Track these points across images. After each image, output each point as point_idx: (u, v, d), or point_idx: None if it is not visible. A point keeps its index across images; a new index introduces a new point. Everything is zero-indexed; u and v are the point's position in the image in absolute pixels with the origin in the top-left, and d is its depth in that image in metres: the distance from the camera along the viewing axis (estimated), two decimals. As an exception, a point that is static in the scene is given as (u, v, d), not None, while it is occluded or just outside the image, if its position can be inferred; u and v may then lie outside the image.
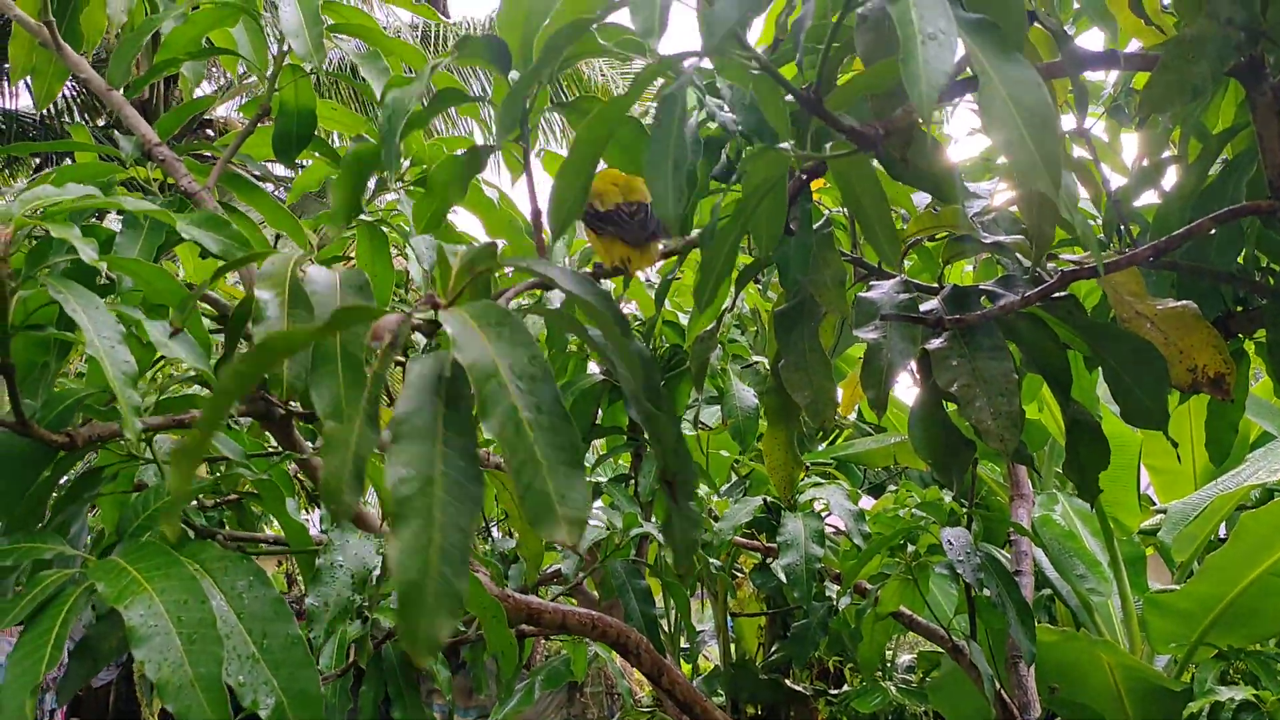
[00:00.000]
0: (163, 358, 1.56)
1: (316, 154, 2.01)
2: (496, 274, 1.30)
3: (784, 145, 1.06)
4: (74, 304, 1.21)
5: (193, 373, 1.92)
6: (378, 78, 1.73)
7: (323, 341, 1.12)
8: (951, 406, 1.97)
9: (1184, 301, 1.56)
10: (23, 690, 1.13)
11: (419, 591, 0.86)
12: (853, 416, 5.73)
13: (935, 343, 1.61)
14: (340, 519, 0.95)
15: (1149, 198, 2.05)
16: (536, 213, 1.28)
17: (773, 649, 5.27)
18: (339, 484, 0.91)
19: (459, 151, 1.31)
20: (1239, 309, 1.98)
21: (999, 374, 1.55)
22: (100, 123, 12.45)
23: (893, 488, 4.66)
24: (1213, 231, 1.62)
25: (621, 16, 1.17)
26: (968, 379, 1.56)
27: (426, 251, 1.69)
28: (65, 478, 1.56)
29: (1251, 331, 1.79)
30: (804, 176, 1.33)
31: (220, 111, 13.18)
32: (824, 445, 5.56)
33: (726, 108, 1.24)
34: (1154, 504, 5.80)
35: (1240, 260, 1.89)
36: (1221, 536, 4.81)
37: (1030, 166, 0.83)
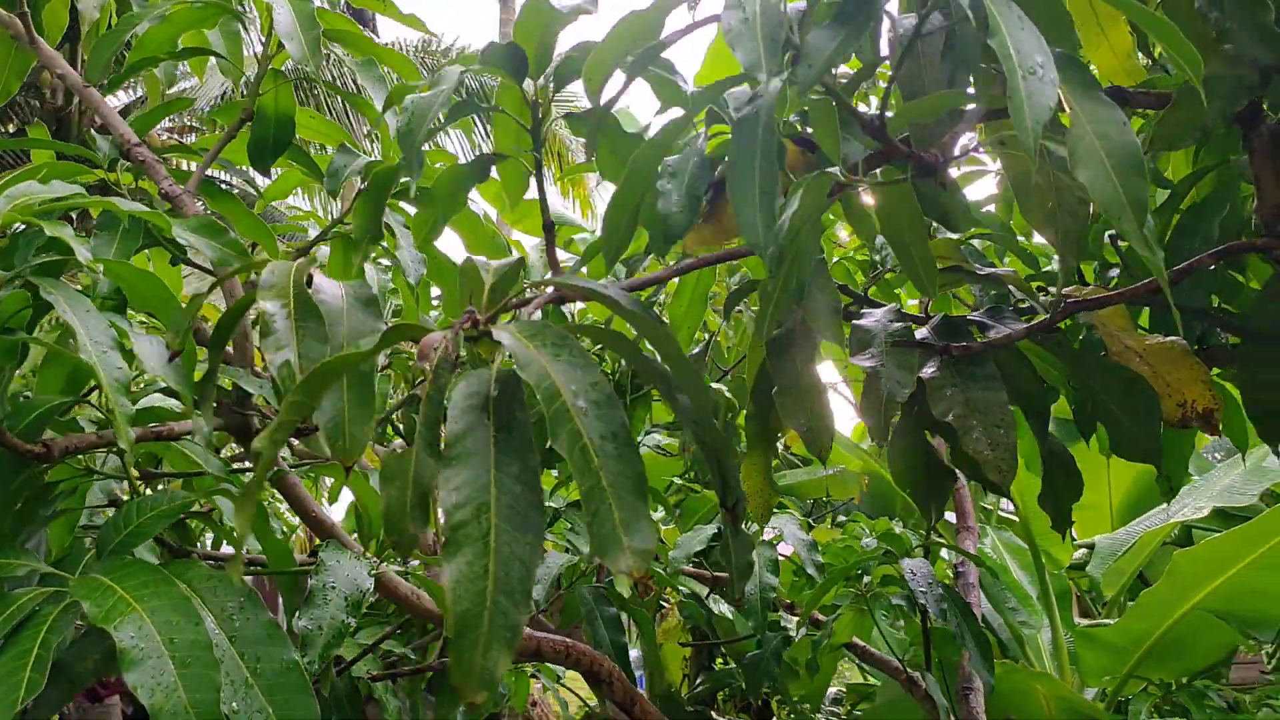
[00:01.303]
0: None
1: (292, 162, 1.95)
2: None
3: (833, 169, 1.05)
4: (65, 307, 1.15)
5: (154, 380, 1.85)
6: (374, 85, 1.69)
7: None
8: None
9: (1172, 337, 1.60)
10: (2, 717, 1.05)
11: (473, 623, 0.83)
12: (780, 448, 5.76)
13: (928, 371, 1.62)
14: (405, 551, 0.91)
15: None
16: (550, 225, 1.25)
17: (698, 681, 5.24)
18: (400, 513, 0.87)
19: (462, 161, 1.28)
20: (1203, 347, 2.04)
21: (994, 404, 1.57)
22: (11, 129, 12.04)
23: (843, 518, 4.69)
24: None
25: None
26: (962, 409, 1.57)
27: (414, 266, 1.65)
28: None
29: (1225, 365, 1.83)
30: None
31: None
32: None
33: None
34: (1074, 539, 5.94)
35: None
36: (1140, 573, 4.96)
37: (1116, 205, 0.84)
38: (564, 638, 1.94)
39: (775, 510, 3.34)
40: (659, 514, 3.64)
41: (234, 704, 1.14)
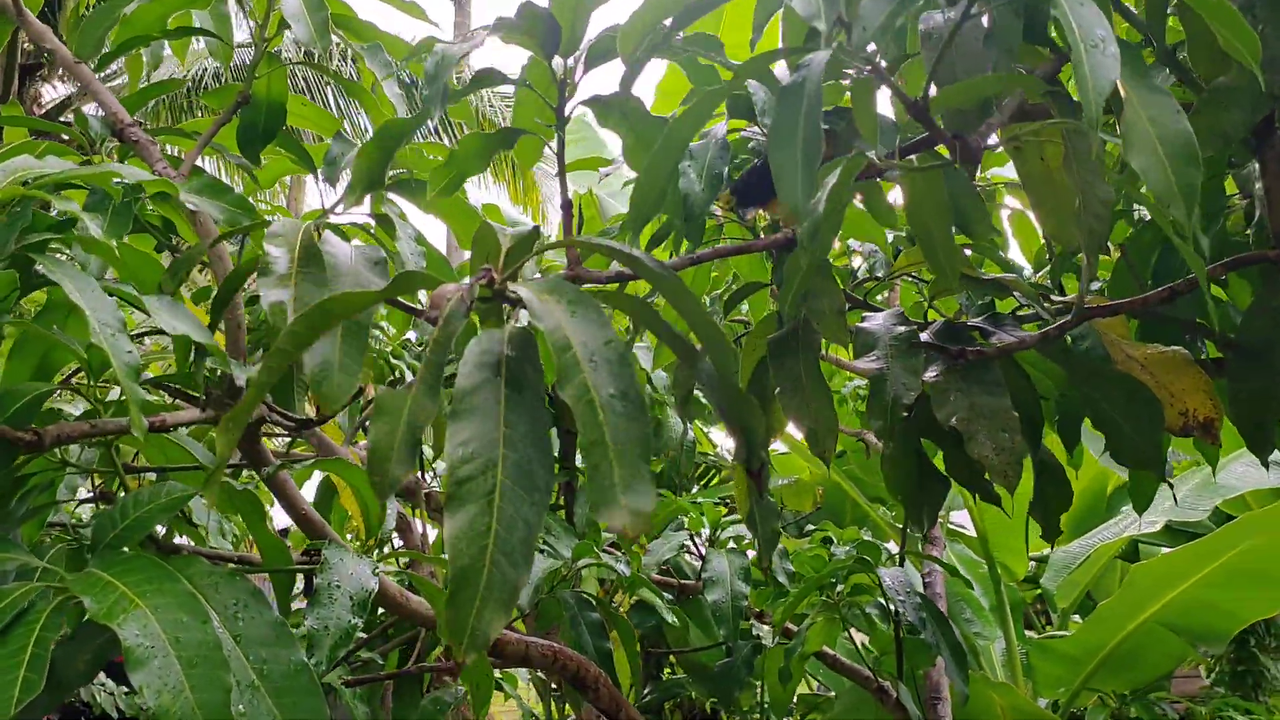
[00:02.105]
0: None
1: (280, 150, 1.89)
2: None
3: (871, 152, 1.04)
4: (72, 287, 1.09)
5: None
6: (382, 69, 1.65)
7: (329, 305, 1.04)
8: (925, 443, 2.00)
9: (1174, 346, 1.61)
10: (-5, 720, 0.99)
11: (471, 580, 0.81)
12: (729, 456, 5.77)
13: (931, 375, 1.62)
14: (385, 493, 0.87)
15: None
16: (568, 204, 1.23)
17: (646, 690, 5.21)
18: (387, 452, 0.84)
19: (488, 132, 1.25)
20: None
21: (999, 409, 1.56)
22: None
23: (811, 527, 4.68)
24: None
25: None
26: (967, 414, 1.57)
27: (414, 258, 1.60)
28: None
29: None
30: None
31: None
32: (698, 487, 5.57)
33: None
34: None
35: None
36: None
37: (1168, 193, 0.83)
38: (551, 643, 1.90)
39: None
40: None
41: (240, 706, 1.09)
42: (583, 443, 0.86)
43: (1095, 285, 2.10)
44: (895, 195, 1.99)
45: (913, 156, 1.17)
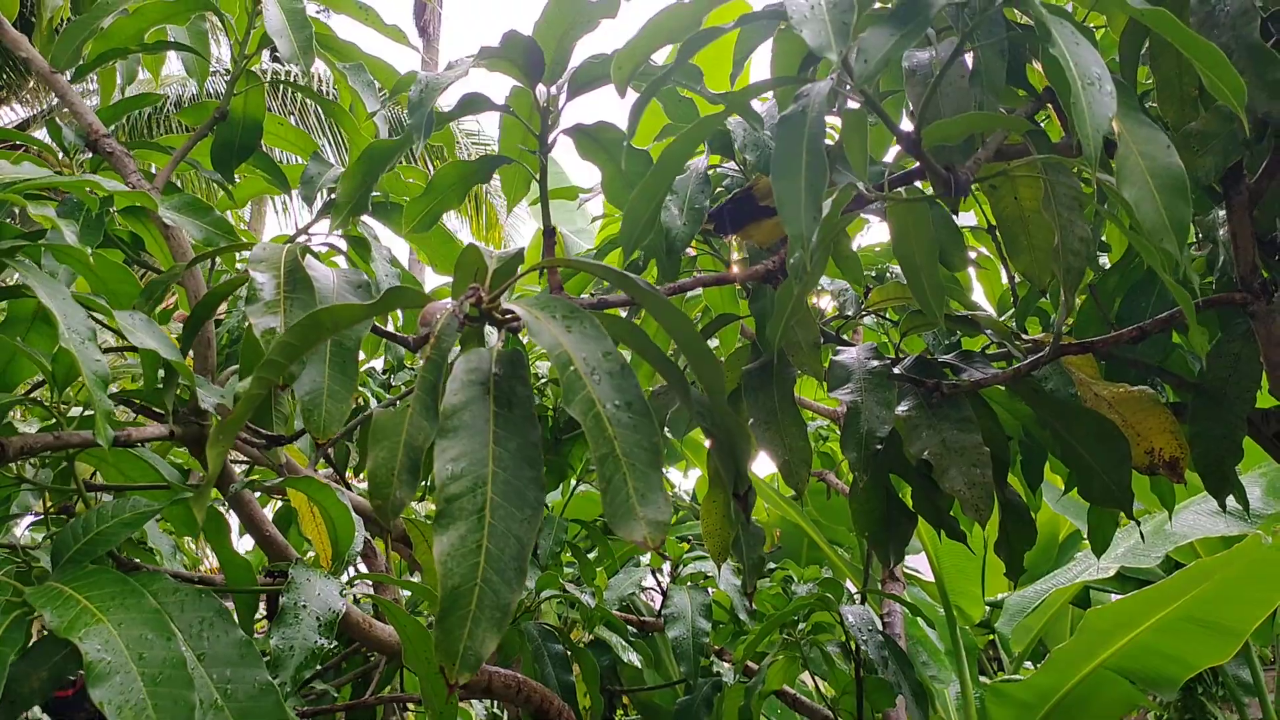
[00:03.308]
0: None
1: (256, 169, 1.87)
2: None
3: (860, 185, 1.05)
4: (44, 293, 1.07)
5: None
6: (364, 89, 1.64)
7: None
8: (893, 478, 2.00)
9: (1140, 386, 1.63)
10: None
11: (463, 599, 0.80)
12: (686, 498, 5.77)
13: (902, 410, 1.62)
14: (390, 517, 0.86)
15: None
16: (550, 230, 1.22)
17: (601, 730, 5.14)
18: (388, 475, 0.83)
19: (469, 159, 1.25)
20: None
21: (970, 445, 1.57)
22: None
23: (771, 565, 4.67)
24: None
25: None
26: (939, 448, 1.58)
27: (388, 280, 1.59)
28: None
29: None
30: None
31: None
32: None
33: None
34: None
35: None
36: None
37: (1159, 227, 0.85)
38: (515, 674, 1.87)
39: (707, 555, 3.31)
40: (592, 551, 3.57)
41: (203, 726, 1.05)
42: (595, 456, 0.86)
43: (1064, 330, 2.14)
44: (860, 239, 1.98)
45: (900, 190, 1.18)
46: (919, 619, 5.05)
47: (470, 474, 0.87)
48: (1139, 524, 1.89)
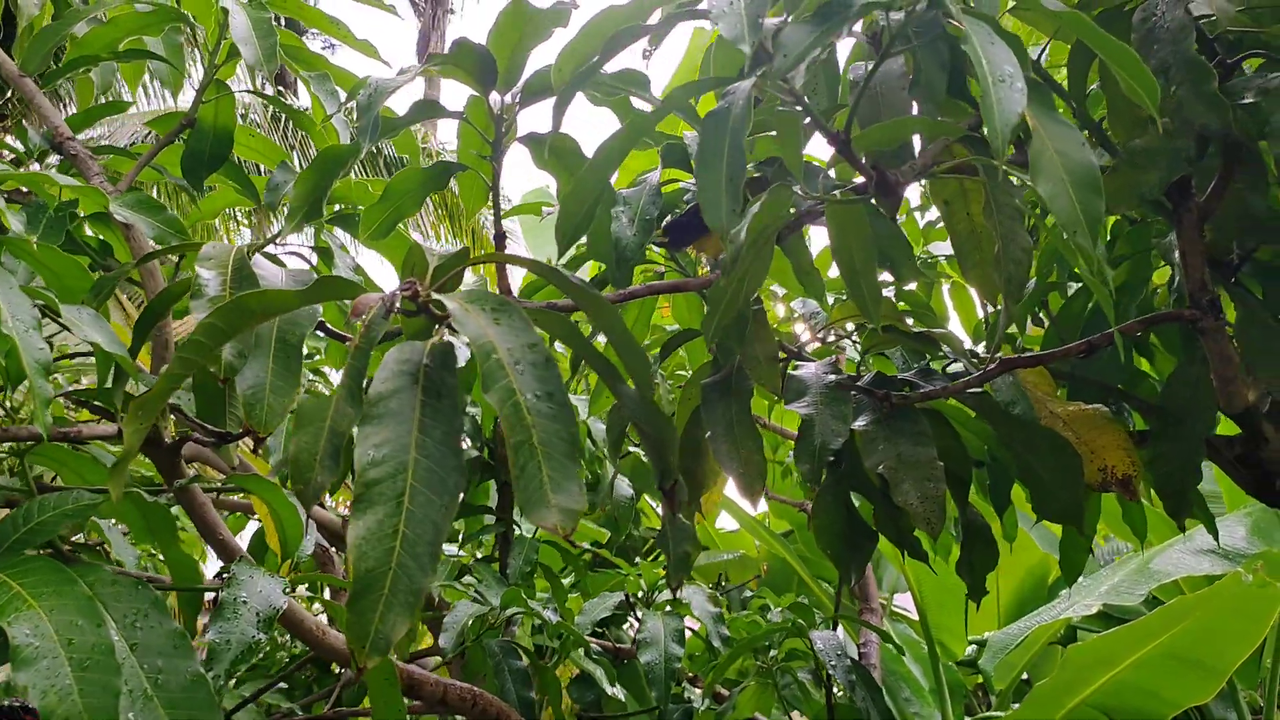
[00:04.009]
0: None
1: (227, 180, 1.89)
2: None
3: (796, 187, 1.06)
4: (-12, 279, 1.08)
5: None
6: (328, 98, 1.66)
7: (263, 327, 1.04)
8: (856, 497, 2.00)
9: (1095, 404, 1.64)
10: None
11: (375, 582, 0.80)
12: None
13: (860, 424, 1.63)
14: (310, 501, 0.87)
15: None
16: (501, 235, 1.23)
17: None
18: (310, 460, 0.83)
19: (426, 165, 1.26)
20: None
21: (924, 459, 1.58)
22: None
23: (749, 593, 4.66)
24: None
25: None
26: (894, 462, 1.58)
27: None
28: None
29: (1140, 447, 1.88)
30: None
31: None
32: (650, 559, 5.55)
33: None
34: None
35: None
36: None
37: (1073, 220, 0.86)
38: (471, 686, 1.86)
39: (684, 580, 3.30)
40: (570, 578, 3.56)
41: (130, 715, 1.05)
42: (510, 444, 0.87)
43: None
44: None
45: (836, 191, 1.20)
46: (904, 656, 5.02)
47: (392, 460, 0.88)
48: (1090, 553, 1.89)
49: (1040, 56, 1.73)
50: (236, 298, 0.87)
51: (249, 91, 1.71)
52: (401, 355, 0.96)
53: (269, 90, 1.80)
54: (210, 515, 1.53)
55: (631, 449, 3.14)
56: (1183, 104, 1.17)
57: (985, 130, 0.85)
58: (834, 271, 2.32)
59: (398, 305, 0.96)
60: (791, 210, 1.07)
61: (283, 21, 1.83)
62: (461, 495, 0.89)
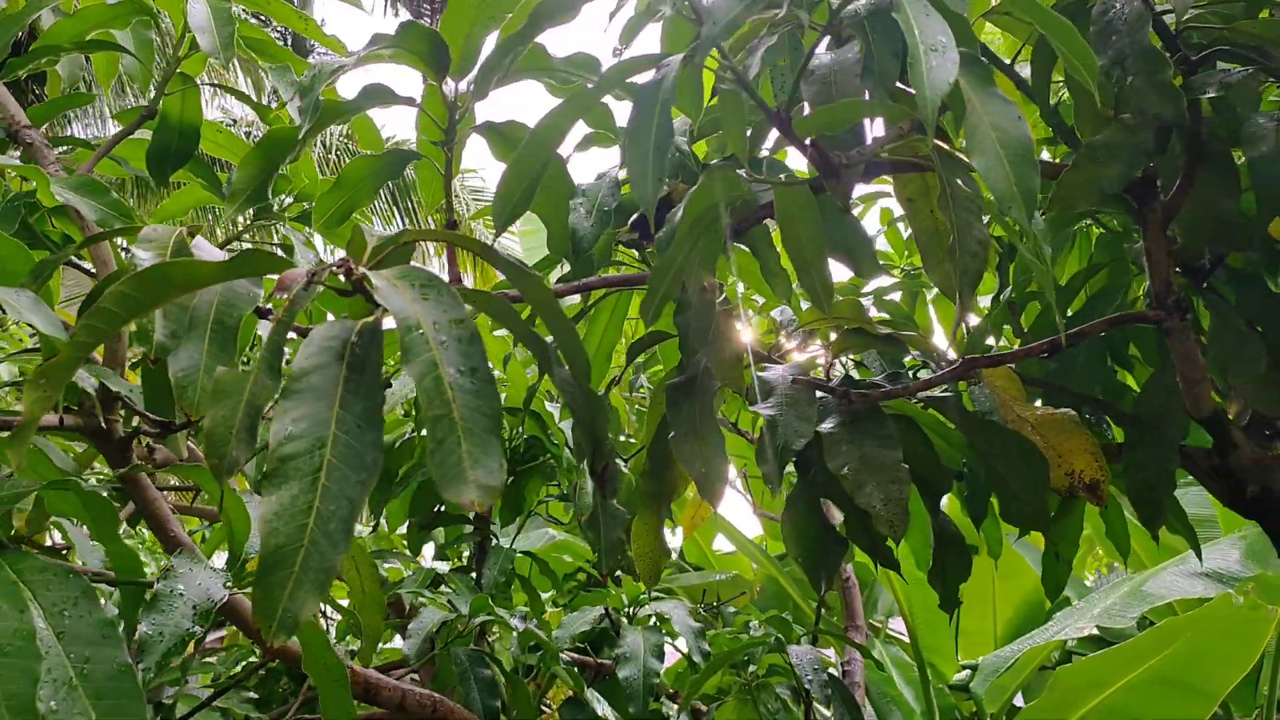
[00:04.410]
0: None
1: (194, 176, 1.88)
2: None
3: (741, 170, 1.05)
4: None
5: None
6: (287, 90, 1.65)
7: (199, 307, 1.02)
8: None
9: (1064, 409, 1.62)
10: None
11: (285, 559, 0.78)
12: (674, 555, 5.72)
13: (827, 425, 1.61)
14: (224, 476, 0.84)
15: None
16: (453, 223, 1.22)
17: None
18: (226, 434, 0.81)
19: (376, 153, 1.25)
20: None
21: (889, 461, 1.55)
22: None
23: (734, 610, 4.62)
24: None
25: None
26: (857, 464, 1.56)
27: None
28: None
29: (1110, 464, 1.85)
30: (730, 226, 1.32)
31: None
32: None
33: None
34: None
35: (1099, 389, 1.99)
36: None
37: (1008, 194, 0.84)
38: (431, 693, 1.83)
39: (664, 595, 3.27)
40: (548, 594, 3.52)
41: (53, 704, 1.03)
42: (428, 418, 0.85)
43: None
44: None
45: (781, 175, 1.18)
46: (896, 678, 4.98)
47: (310, 435, 0.86)
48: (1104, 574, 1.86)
49: (1014, 61, 1.73)
50: (154, 266, 0.85)
51: (209, 85, 1.70)
52: (329, 332, 0.95)
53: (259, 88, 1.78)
54: (161, 510, 1.51)
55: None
56: (1137, 93, 1.16)
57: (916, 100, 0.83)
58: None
59: (323, 280, 0.94)
60: (735, 192, 1.05)
61: (277, 23, 1.82)
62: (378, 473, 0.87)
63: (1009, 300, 2.15)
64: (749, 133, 1.15)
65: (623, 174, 1.42)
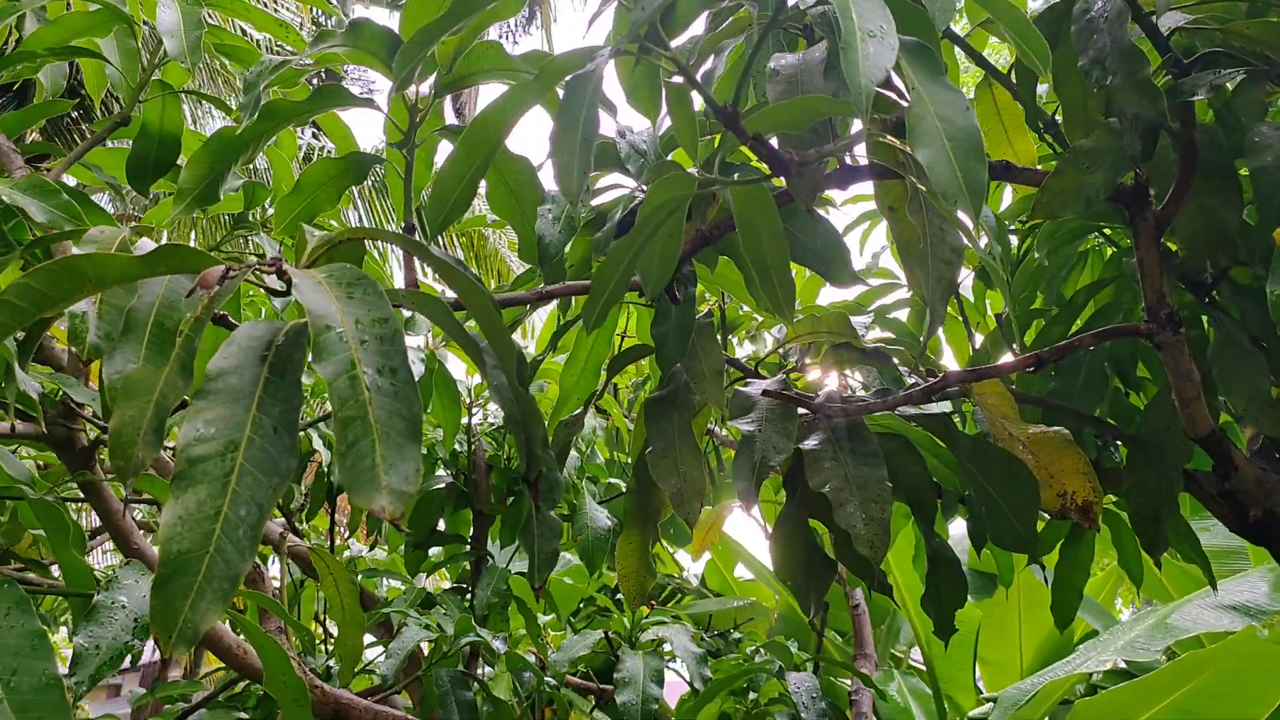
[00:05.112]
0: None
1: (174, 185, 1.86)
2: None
3: (691, 170, 1.01)
4: None
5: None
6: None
7: (138, 308, 0.99)
8: (814, 523, 1.92)
9: (1056, 427, 1.56)
10: None
11: (188, 566, 0.74)
12: (695, 581, 5.66)
13: (810, 443, 1.56)
14: (127, 477, 0.81)
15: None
16: (411, 228, 1.19)
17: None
18: (133, 435, 0.78)
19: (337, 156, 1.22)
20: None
21: (873, 480, 1.50)
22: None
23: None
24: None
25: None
26: (840, 482, 1.51)
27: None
28: None
29: (1116, 488, 1.79)
30: (701, 232, 1.28)
31: None
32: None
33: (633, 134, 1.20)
34: (981, 693, 5.85)
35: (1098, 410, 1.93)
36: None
37: (954, 188, 0.80)
38: (406, 715, 1.79)
39: (667, 620, 3.21)
40: (548, 617, 3.48)
41: (-24, 715, 1.00)
42: (338, 419, 0.81)
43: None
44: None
45: (735, 175, 1.13)
46: (914, 710, 4.88)
47: (223, 437, 0.83)
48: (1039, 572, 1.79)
49: (1010, 73, 1.68)
50: (62, 259, 0.82)
51: (187, 93, 1.69)
52: (254, 332, 0.91)
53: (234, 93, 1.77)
54: (125, 523, 1.48)
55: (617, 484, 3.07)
56: (1117, 93, 1.11)
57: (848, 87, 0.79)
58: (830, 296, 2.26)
59: (246, 277, 0.91)
60: (683, 191, 1.01)
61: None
62: (289, 479, 0.83)
63: (1013, 316, 2.09)
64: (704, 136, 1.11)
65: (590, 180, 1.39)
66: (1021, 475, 1.49)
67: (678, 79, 0.98)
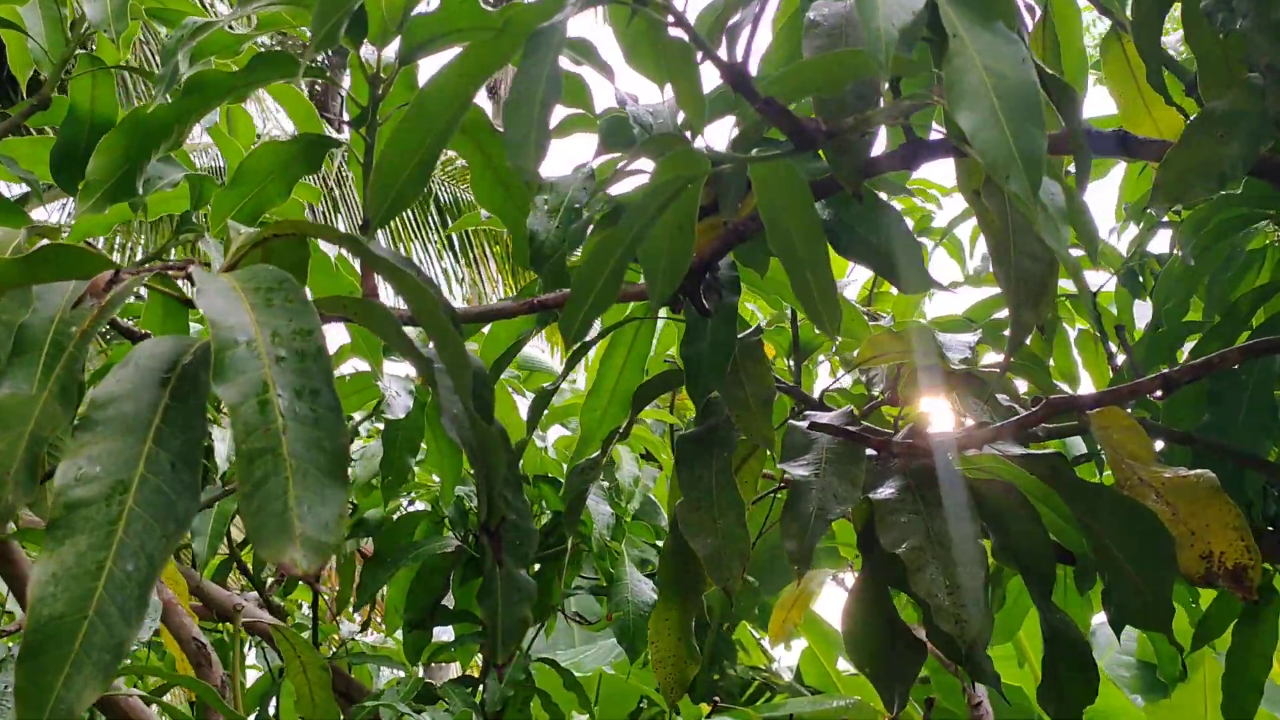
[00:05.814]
0: None
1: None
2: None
3: (699, 144, 1.01)
4: None
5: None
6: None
7: (32, 325, 1.02)
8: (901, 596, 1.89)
9: (1200, 470, 1.52)
10: None
11: (64, 634, 0.75)
12: (788, 675, 5.61)
13: (884, 491, 1.54)
14: (2, 523, 0.83)
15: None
16: (367, 222, 1.21)
17: None
18: (3, 475, 0.80)
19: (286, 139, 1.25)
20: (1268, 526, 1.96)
21: (960, 537, 1.48)
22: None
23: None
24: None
25: None
26: (920, 540, 1.48)
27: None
28: None
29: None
30: (731, 226, 1.28)
31: None
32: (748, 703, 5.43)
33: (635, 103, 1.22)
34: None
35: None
36: None
37: (1004, 158, 0.79)
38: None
39: (724, 709, 3.19)
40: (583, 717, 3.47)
41: None
42: (242, 453, 0.82)
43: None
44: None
45: (756, 149, 1.12)
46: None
47: (110, 476, 0.84)
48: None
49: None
50: (-78, 264, 0.85)
51: (122, 68, 1.74)
52: (156, 349, 0.93)
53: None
54: (22, 561, 1.51)
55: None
56: (1247, 40, 1.09)
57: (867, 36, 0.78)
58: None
59: (143, 282, 0.93)
60: (693, 170, 1.00)
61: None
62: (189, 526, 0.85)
63: (1156, 330, 2.06)
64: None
65: (598, 163, 1.39)
66: (1152, 531, 1.46)
67: (677, 32, 0.98)
